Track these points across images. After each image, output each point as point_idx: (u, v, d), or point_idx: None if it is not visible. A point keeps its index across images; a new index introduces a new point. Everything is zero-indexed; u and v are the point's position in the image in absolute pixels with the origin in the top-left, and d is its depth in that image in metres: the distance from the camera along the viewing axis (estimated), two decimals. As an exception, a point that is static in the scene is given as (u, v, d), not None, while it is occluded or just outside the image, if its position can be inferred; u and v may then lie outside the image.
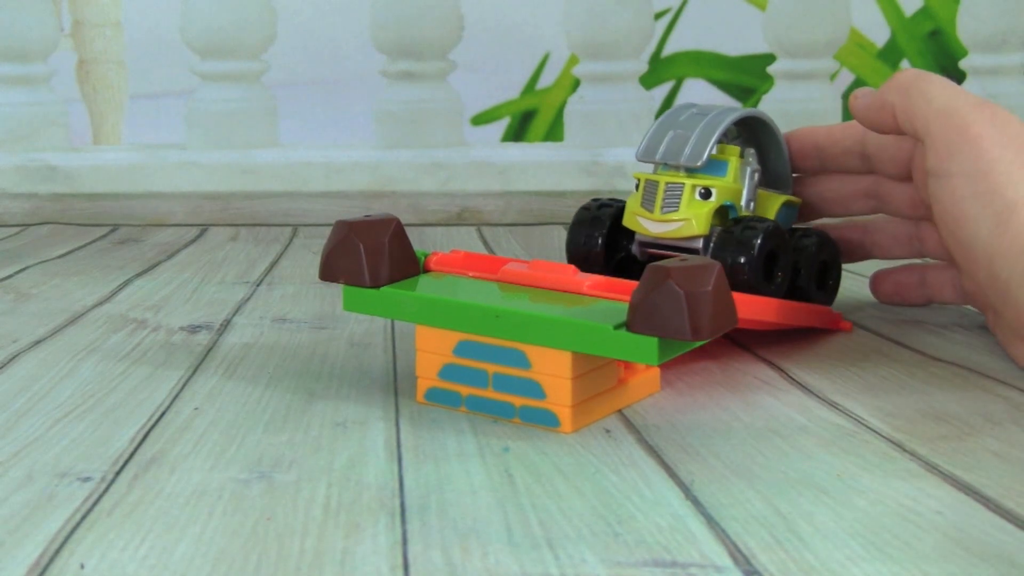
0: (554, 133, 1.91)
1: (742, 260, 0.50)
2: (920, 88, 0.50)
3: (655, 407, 0.46)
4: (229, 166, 1.11)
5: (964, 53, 1.14)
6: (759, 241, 0.50)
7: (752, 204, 0.53)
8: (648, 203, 0.52)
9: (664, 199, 0.51)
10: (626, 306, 0.42)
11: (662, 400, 0.47)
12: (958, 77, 1.17)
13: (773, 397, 0.47)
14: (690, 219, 0.51)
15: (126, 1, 1.92)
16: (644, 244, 0.53)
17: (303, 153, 1.12)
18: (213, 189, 1.10)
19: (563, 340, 0.41)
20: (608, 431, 0.43)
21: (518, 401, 0.43)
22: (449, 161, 1.10)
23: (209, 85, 1.13)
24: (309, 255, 0.87)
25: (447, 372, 0.45)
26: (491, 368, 0.44)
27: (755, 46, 1.22)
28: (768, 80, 1.16)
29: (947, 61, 1.34)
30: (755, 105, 1.27)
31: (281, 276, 0.78)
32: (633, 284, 0.45)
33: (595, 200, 0.55)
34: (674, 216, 0.51)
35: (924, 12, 1.37)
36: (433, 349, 0.45)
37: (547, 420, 0.43)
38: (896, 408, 0.46)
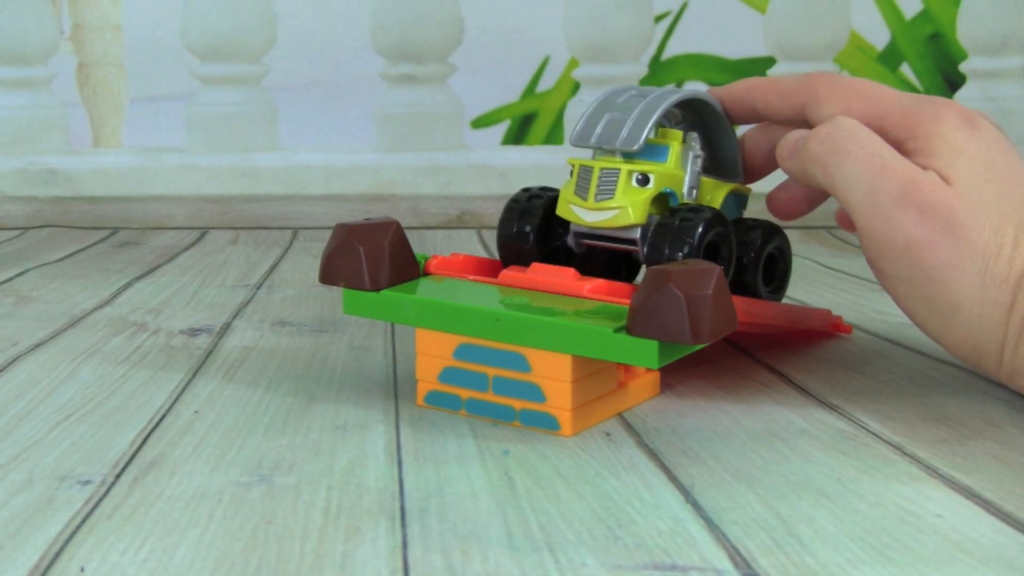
0: (554, 136, 1.91)
1: (679, 252, 0.45)
2: (838, 167, 0.45)
3: (655, 410, 0.46)
4: (229, 169, 1.11)
5: (964, 56, 1.14)
6: (699, 231, 0.45)
7: (695, 192, 0.49)
8: (582, 190, 0.48)
9: (599, 186, 0.47)
10: (626, 309, 0.42)
11: (662, 403, 0.47)
12: (958, 81, 1.17)
13: (773, 400, 0.47)
14: (626, 207, 0.47)
15: (126, 4, 1.91)
16: (580, 235, 0.49)
17: (303, 156, 1.12)
18: (213, 192, 1.10)
19: (563, 343, 0.41)
20: (608, 434, 0.43)
21: (518, 404, 0.43)
22: (449, 164, 1.10)
23: (209, 88, 1.13)
24: (309, 258, 0.87)
25: (447, 375, 0.45)
26: (491, 371, 0.44)
27: (755, 49, 1.22)
28: (768, 83, 1.16)
29: (947, 64, 1.34)
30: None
31: (281, 279, 0.78)
32: (633, 288, 0.45)
33: (525, 190, 0.51)
34: (609, 204, 0.47)
35: (924, 15, 1.37)
36: (433, 352, 0.45)
37: (547, 423, 0.43)
38: (896, 411, 0.46)
